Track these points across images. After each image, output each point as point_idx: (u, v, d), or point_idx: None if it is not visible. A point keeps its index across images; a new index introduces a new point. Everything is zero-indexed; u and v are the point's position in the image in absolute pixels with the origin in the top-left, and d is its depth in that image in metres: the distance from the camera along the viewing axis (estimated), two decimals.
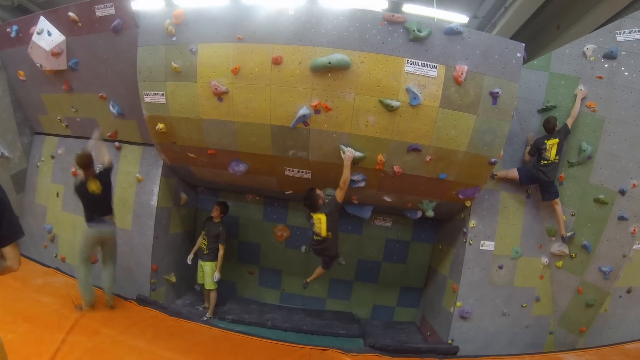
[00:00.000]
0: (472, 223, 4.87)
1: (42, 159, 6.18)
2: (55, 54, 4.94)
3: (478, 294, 4.90)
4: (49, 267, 5.52)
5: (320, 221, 4.32)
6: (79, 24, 4.79)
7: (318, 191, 4.37)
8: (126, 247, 5.24)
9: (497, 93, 4.06)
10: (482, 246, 4.88)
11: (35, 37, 4.93)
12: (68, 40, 4.94)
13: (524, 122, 5.00)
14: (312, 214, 4.39)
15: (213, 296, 5.46)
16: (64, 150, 5.93)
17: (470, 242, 4.87)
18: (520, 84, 4.17)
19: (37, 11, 7.42)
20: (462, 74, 3.97)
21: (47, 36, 4.90)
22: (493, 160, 4.38)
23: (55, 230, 5.98)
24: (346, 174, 4.22)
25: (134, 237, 5.29)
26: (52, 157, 6.07)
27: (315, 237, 4.49)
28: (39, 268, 5.46)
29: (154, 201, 5.25)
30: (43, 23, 4.93)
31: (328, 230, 4.35)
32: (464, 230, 4.96)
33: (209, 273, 5.34)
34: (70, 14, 4.75)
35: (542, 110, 4.92)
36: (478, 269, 4.88)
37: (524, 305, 5.00)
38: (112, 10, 4.54)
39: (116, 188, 5.18)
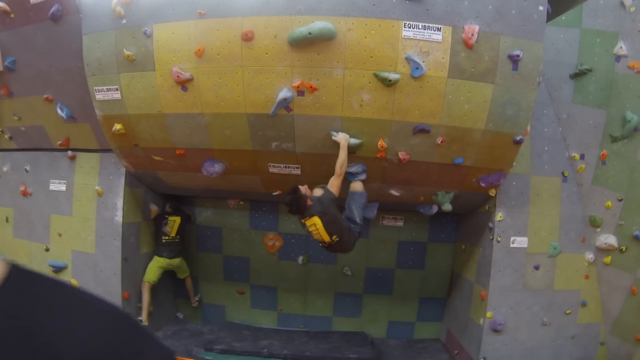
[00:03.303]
0: (498, 216, 4.80)
1: None
2: None
3: (511, 301, 4.83)
4: None
5: (315, 226, 4.05)
6: (12, 15, 4.70)
7: (303, 189, 4.10)
8: (91, 274, 5.23)
9: (518, 56, 3.95)
10: (512, 243, 4.82)
11: None
12: (0, 35, 4.86)
13: (554, 90, 4.92)
14: (302, 220, 4.13)
15: (190, 282, 6.09)
16: (10, 167, 5.86)
17: (499, 239, 4.79)
18: (545, 44, 4.07)
19: None
20: (472, 35, 3.85)
21: None
22: (519, 138, 4.28)
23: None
24: (342, 156, 4.08)
25: (99, 261, 5.25)
26: None
27: (320, 245, 4.24)
28: None
29: (119, 217, 5.20)
30: None
31: (330, 233, 4.03)
32: (490, 225, 4.89)
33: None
34: (0, 3, 4.65)
35: (576, 75, 4.85)
36: (510, 270, 4.82)
37: (567, 312, 4.93)
38: None
39: (73, 205, 5.20)
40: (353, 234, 4.16)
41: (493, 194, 4.79)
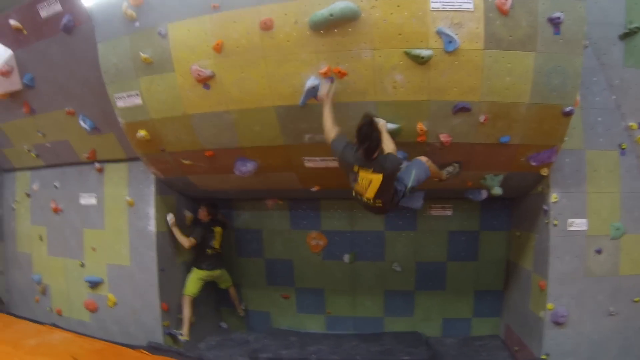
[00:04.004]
0: (553, 197, 4.61)
1: (17, 199, 6.35)
2: (4, 73, 5.01)
3: (573, 290, 4.63)
4: (43, 323, 5.56)
5: (370, 183, 3.64)
6: (24, 32, 4.84)
7: (380, 123, 3.76)
8: (128, 287, 5.30)
9: (559, 18, 3.76)
10: (570, 226, 4.61)
11: None
12: (16, 53, 5.02)
13: (603, 54, 4.62)
14: (358, 168, 3.69)
15: (234, 291, 6.10)
16: (39, 185, 6.05)
17: (555, 222, 4.60)
18: (588, 3, 3.87)
19: None
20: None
21: None
22: (568, 109, 4.09)
23: (46, 280, 6.09)
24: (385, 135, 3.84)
25: (135, 273, 5.30)
26: (28, 195, 6.21)
27: (357, 196, 3.89)
28: (31, 327, 5.47)
29: (152, 226, 5.22)
30: None
31: (378, 197, 3.69)
32: (545, 207, 4.70)
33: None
34: (12, 21, 4.80)
35: (625, 36, 4.57)
36: (569, 257, 4.61)
37: (636, 299, 4.67)
38: (57, 7, 4.55)
39: (105, 217, 5.34)
40: (397, 195, 3.88)
41: (545, 174, 4.62)
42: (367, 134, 3.53)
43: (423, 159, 4.07)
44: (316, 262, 6.12)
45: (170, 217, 5.28)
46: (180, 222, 5.58)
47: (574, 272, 4.61)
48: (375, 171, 3.61)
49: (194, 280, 5.56)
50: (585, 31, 3.88)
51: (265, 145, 4.57)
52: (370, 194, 3.70)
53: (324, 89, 3.94)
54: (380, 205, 3.80)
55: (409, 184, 3.90)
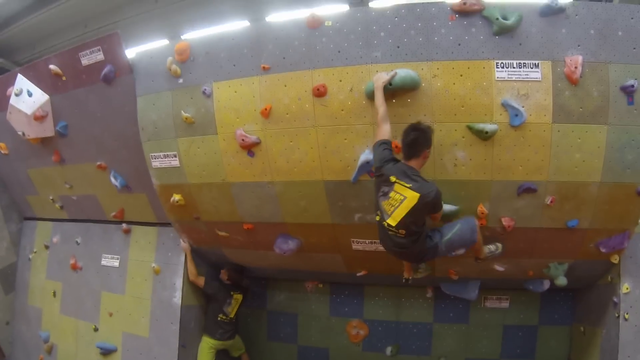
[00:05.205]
0: (625, 288, 4.43)
1: (35, 250, 6.36)
2: (38, 118, 5.07)
3: None
4: None
5: (402, 201, 3.41)
6: (63, 78, 4.93)
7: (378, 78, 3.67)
8: (143, 359, 5.20)
9: (632, 86, 3.70)
10: None
11: (13, 100, 5.09)
12: (53, 99, 5.09)
13: None
14: (394, 179, 3.48)
15: (247, 359, 5.91)
16: (60, 238, 6.06)
17: (626, 316, 4.40)
18: None
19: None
20: (576, 67, 3.64)
21: (27, 97, 5.05)
22: None
23: (53, 339, 6.05)
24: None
25: (153, 346, 5.20)
26: (47, 247, 6.23)
27: (382, 222, 3.63)
28: None
29: (177, 298, 5.17)
30: (21, 82, 5.10)
31: (405, 221, 3.44)
32: (614, 299, 4.51)
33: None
34: (52, 66, 4.89)
35: None
36: None
37: None
38: (100, 56, 4.63)
39: (127, 282, 5.27)
40: (425, 246, 3.68)
41: (616, 261, 4.46)
42: (414, 138, 3.49)
43: (475, 220, 3.90)
44: (355, 353, 5.93)
45: (185, 242, 5.18)
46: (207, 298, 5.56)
47: None
48: (413, 189, 3.41)
49: (205, 351, 5.40)
50: None
51: (310, 223, 4.52)
52: (396, 216, 3.46)
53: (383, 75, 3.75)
54: (402, 236, 3.54)
55: (448, 236, 3.71)
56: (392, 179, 3.48)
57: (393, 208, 3.46)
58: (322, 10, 3.98)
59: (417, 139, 3.51)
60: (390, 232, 3.58)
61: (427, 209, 3.50)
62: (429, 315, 5.68)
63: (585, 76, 3.69)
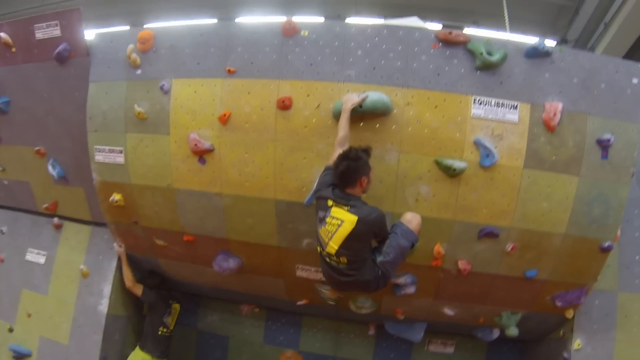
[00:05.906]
0: (576, 344, 4.49)
1: None
2: None
3: None
4: None
5: (338, 224, 3.28)
6: (13, 49, 4.77)
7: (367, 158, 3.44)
8: None
9: (608, 141, 3.82)
10: None
11: None
12: None
13: None
14: (331, 203, 3.37)
15: None
16: None
17: None
18: None
19: None
20: (555, 114, 3.76)
21: None
22: (607, 244, 4.06)
23: None
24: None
25: (71, 355, 5.03)
26: None
27: (321, 253, 3.52)
28: None
29: (104, 306, 5.01)
30: None
31: (346, 249, 3.28)
32: (565, 355, 4.57)
33: None
34: (2, 34, 4.73)
35: None
36: None
37: None
38: (57, 32, 4.50)
39: (51, 282, 5.08)
40: (372, 274, 3.43)
41: (570, 316, 4.54)
42: (346, 167, 3.29)
43: (411, 220, 3.55)
44: None
45: (120, 245, 5.01)
46: (135, 309, 5.42)
47: None
48: (351, 212, 3.27)
49: None
50: (635, 157, 3.93)
51: (255, 242, 4.47)
52: (334, 243, 3.30)
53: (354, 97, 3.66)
54: (345, 265, 3.36)
55: (389, 258, 3.42)
56: (329, 202, 3.37)
57: (330, 234, 3.32)
58: (298, 19, 3.98)
59: (349, 169, 3.32)
60: (332, 263, 3.42)
61: (369, 234, 3.35)
62: (369, 354, 5.64)
63: (563, 124, 3.79)
